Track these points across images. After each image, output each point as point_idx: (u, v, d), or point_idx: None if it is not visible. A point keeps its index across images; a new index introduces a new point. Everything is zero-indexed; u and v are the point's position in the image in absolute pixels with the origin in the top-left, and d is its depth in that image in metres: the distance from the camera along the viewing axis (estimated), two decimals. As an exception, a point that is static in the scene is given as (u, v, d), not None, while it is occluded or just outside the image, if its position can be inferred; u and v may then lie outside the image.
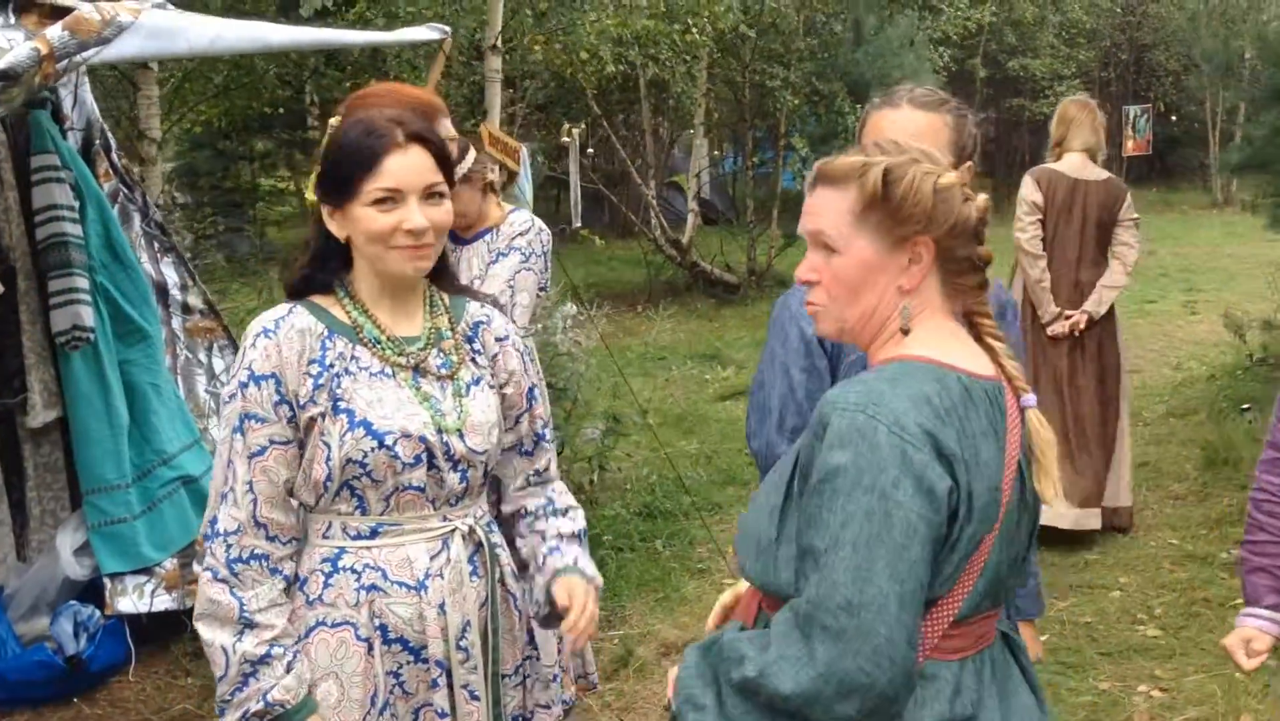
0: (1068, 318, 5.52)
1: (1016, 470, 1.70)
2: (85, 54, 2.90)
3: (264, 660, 1.99)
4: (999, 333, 1.78)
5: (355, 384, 2.02)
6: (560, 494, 2.31)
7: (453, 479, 2.06)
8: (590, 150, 14.89)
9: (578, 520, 2.27)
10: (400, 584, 2.03)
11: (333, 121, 2.31)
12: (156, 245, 4.93)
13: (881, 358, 1.74)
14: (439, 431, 2.04)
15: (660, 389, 8.97)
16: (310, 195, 2.14)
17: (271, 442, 2.00)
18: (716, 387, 9.09)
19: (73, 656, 4.26)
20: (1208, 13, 16.62)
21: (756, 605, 1.80)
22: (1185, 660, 4.41)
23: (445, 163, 2.06)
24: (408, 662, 2.06)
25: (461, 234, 3.71)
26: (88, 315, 4.35)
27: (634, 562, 5.45)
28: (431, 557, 2.06)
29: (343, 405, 2.00)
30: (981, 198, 1.75)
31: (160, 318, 4.82)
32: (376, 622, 2.03)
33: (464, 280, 3.42)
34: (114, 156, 4.79)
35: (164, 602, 4.46)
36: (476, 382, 2.12)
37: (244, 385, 2.00)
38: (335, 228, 2.05)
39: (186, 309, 4.99)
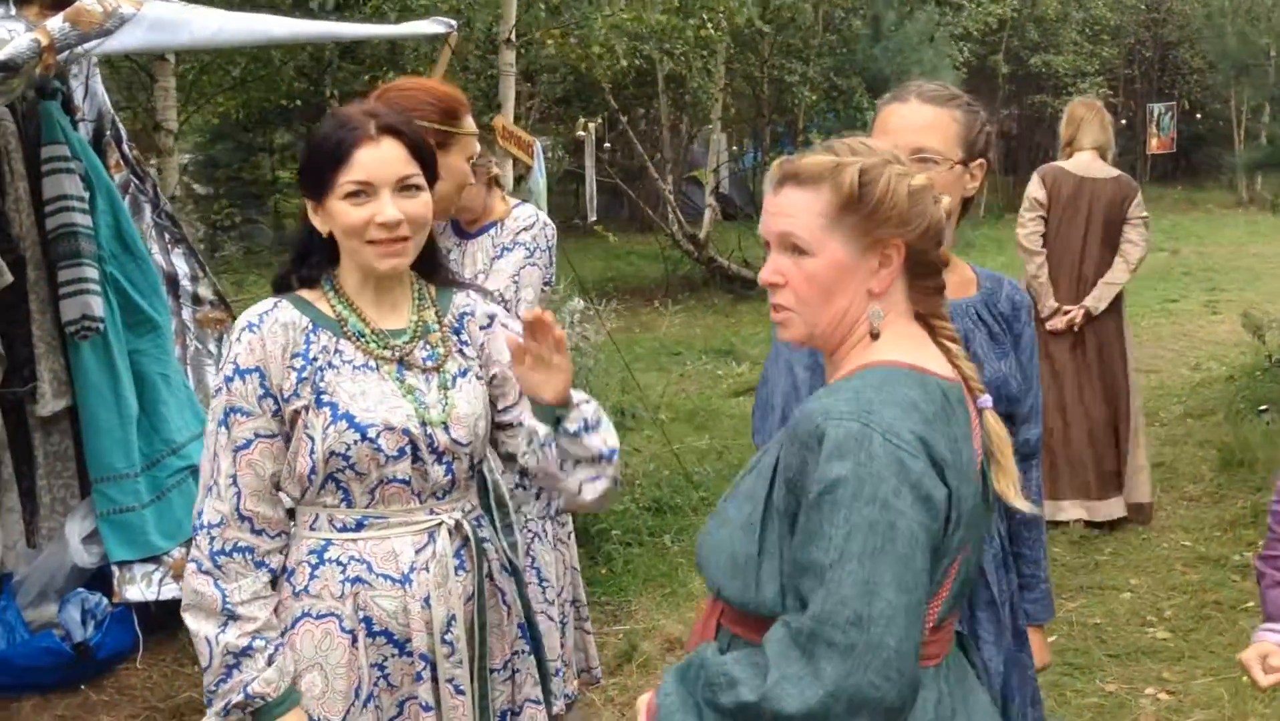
0: (1066, 313, 5.60)
1: (980, 472, 1.69)
2: (86, 45, 2.91)
3: (246, 652, 1.99)
4: (955, 334, 1.76)
5: (339, 377, 2.02)
6: None
7: (437, 471, 2.06)
8: (607, 145, 14.88)
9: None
10: (385, 577, 2.03)
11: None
12: (167, 236, 4.95)
13: (857, 363, 1.70)
14: (423, 424, 2.04)
15: (674, 384, 8.96)
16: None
17: (257, 436, 2.01)
18: (730, 383, 9.07)
19: (80, 643, 4.29)
20: (1231, 10, 16.48)
21: (715, 621, 1.75)
22: (1194, 663, 4.37)
23: (421, 155, 2.05)
24: (392, 655, 2.06)
25: (466, 228, 3.70)
26: (97, 305, 4.37)
27: (641, 557, 5.45)
28: (417, 551, 2.05)
29: (326, 398, 2.00)
30: (945, 199, 1.73)
31: (170, 308, 4.84)
32: (361, 615, 2.03)
33: (468, 275, 3.42)
34: (125, 147, 4.81)
35: (172, 591, 4.48)
36: (463, 374, 2.12)
37: (229, 379, 2.01)
38: (318, 222, 2.05)
39: (197, 300, 5.01)
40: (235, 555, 2.02)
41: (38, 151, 4.35)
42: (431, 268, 2.16)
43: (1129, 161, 24.73)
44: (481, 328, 2.17)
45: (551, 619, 3.30)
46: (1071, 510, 5.66)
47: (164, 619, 4.54)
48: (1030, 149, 23.10)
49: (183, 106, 8.89)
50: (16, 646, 4.23)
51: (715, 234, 13.91)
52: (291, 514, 2.11)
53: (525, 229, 3.75)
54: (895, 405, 1.58)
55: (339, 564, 2.03)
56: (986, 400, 1.73)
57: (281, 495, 2.07)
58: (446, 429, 2.06)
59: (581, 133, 11.21)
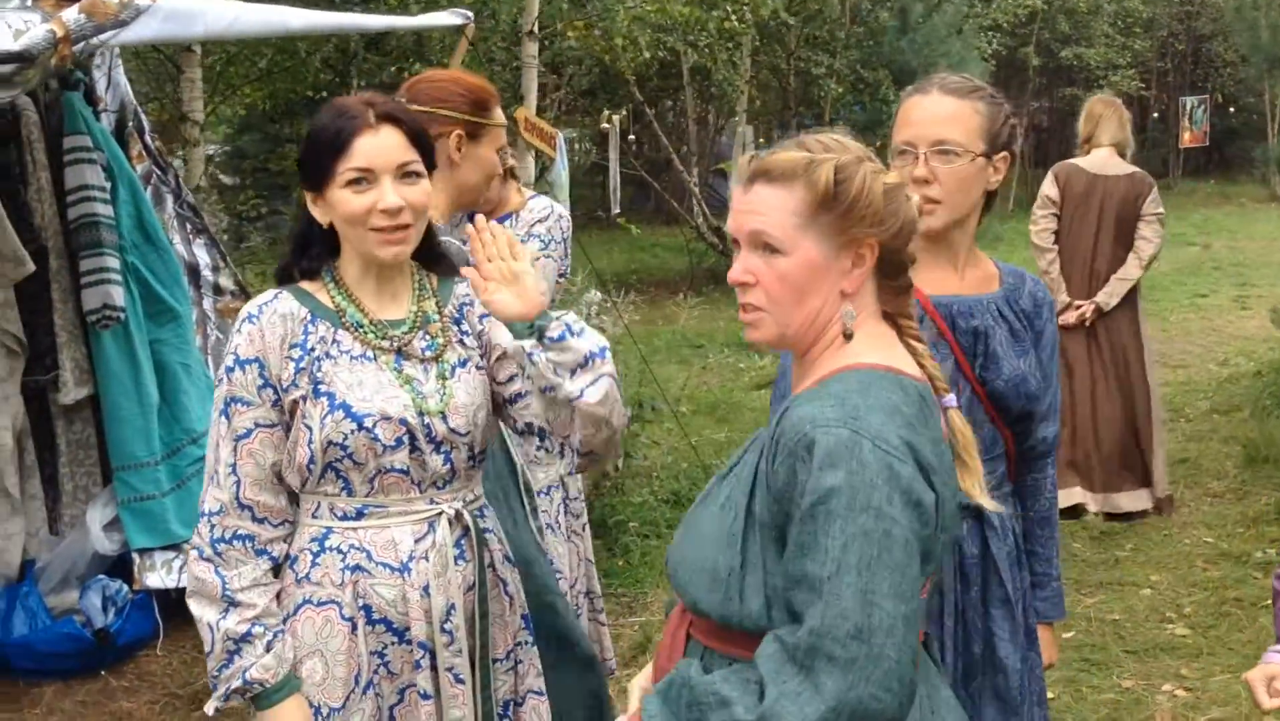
0: (1078, 308, 5.62)
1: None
2: (102, 37, 2.94)
3: (245, 638, 2.02)
4: (920, 333, 1.74)
5: (336, 367, 2.04)
6: None
7: (436, 461, 2.07)
8: (632, 137, 14.88)
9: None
10: (384, 565, 2.05)
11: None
12: (189, 226, 4.99)
13: (833, 365, 1.66)
14: (420, 414, 2.04)
15: (695, 376, 8.96)
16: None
17: (257, 425, 2.03)
18: (752, 376, 9.06)
19: (101, 629, 4.34)
20: (1265, 2, 16.27)
21: (684, 634, 1.72)
22: (1213, 660, 4.34)
23: (420, 142, 2.06)
24: (392, 643, 2.07)
25: (482, 219, 3.71)
26: (118, 294, 4.42)
27: (659, 550, 5.45)
28: (416, 540, 2.07)
29: (323, 388, 2.02)
30: (915, 198, 1.71)
31: (191, 298, 4.89)
32: (360, 603, 2.05)
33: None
34: (147, 139, 4.86)
35: (191, 579, 4.52)
36: (463, 364, 2.12)
37: (230, 370, 2.03)
38: (318, 213, 2.06)
39: (218, 290, 5.05)
40: (235, 542, 2.04)
41: (60, 142, 4.40)
42: (432, 258, 2.17)
43: (1161, 155, 24.53)
44: (481, 316, 2.17)
45: None
46: (1075, 496, 5.66)
47: (184, 606, 4.50)
48: (1061, 142, 22.88)
49: (209, 98, 8.95)
50: (39, 632, 4.28)
51: (740, 226, 13.84)
52: (296, 502, 2.12)
53: (540, 221, 3.75)
54: (880, 410, 1.55)
55: (339, 552, 2.05)
56: (951, 399, 1.70)
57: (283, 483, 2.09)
58: (444, 418, 2.06)
59: (606, 125, 11.20)
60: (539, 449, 2.13)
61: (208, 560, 2.04)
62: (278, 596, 2.08)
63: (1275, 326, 8.25)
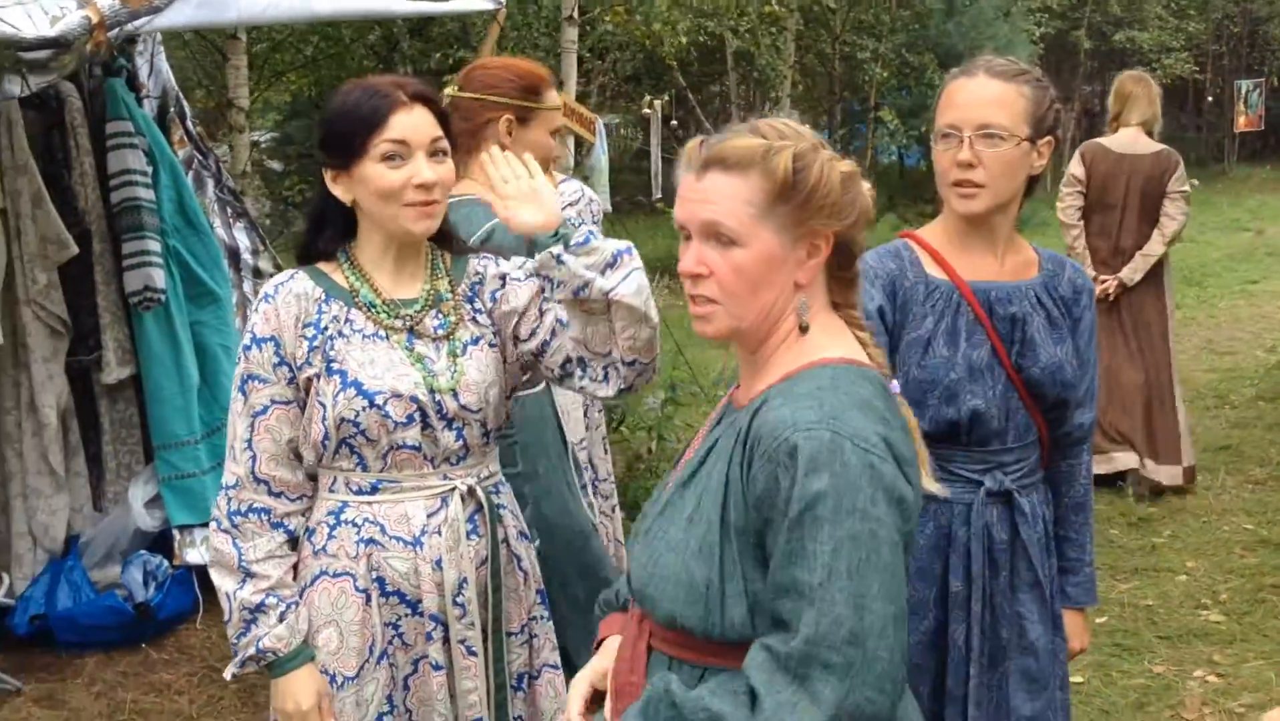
0: (1102, 282, 5.72)
1: None
2: (136, 23, 3.00)
3: (260, 608, 2.08)
4: (865, 323, 1.71)
5: (348, 346, 2.08)
6: None
7: (448, 437, 2.11)
8: (674, 122, 14.85)
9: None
10: (398, 539, 2.09)
11: (448, 91, 2.39)
12: (229, 211, 5.07)
13: (799, 361, 1.62)
14: (431, 391, 2.08)
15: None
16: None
17: (273, 402, 2.08)
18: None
19: (142, 603, 4.44)
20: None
21: (645, 647, 1.67)
22: (1246, 646, 4.30)
23: (446, 123, 2.12)
24: (405, 615, 2.12)
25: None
26: (159, 277, 4.50)
27: (691, 532, 5.47)
28: (429, 515, 2.11)
29: (336, 366, 2.06)
30: (865, 186, 1.65)
31: (231, 281, 4.97)
32: (374, 575, 2.09)
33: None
34: (189, 124, 4.94)
35: (229, 556, 4.61)
36: (475, 342, 2.16)
37: (247, 348, 2.09)
38: (341, 191, 2.10)
39: (257, 273, 5.13)
40: (251, 515, 2.09)
41: (103, 127, 4.48)
42: (445, 236, 2.20)
43: (1216, 139, 24.11)
44: (494, 292, 2.20)
45: None
46: (1115, 463, 5.79)
47: (223, 582, 4.67)
48: (1112, 126, 22.58)
49: (255, 85, 9.06)
50: (82, 605, 4.39)
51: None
52: (314, 478, 2.17)
53: (571, 204, 3.78)
54: (855, 407, 1.52)
55: (354, 525, 2.10)
56: (895, 385, 1.66)
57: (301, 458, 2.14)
58: (455, 395, 2.10)
59: (647, 110, 11.21)
60: (582, 383, 2.14)
61: (225, 532, 2.10)
62: (296, 567, 2.14)
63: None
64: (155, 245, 4.50)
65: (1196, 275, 12.38)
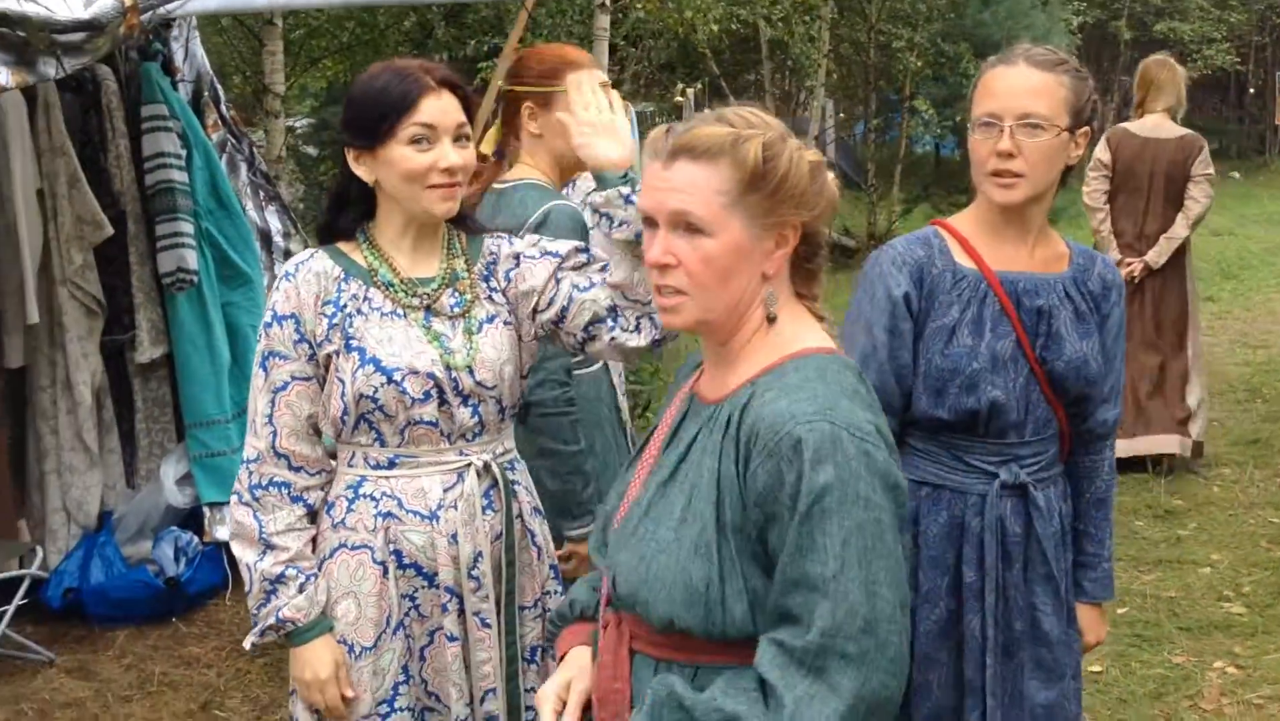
0: (1127, 265, 5.82)
1: None
2: (169, 6, 3.06)
3: (280, 579, 2.13)
4: (823, 312, 1.71)
5: (367, 323, 2.12)
6: None
7: (464, 414, 2.15)
8: (707, 111, 14.82)
9: None
10: (414, 512, 2.14)
11: (499, 85, 2.46)
12: (261, 194, 5.15)
13: (780, 352, 1.61)
14: (447, 368, 2.12)
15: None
16: (485, 149, 2.29)
17: (293, 378, 2.13)
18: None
19: (172, 578, 4.53)
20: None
21: (628, 652, 1.65)
22: (1268, 638, 4.29)
23: (470, 110, 2.16)
24: (421, 587, 2.16)
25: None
26: (192, 258, 4.58)
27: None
28: (445, 490, 2.15)
29: (354, 343, 2.11)
30: (830, 176, 1.64)
31: (263, 263, 5.04)
32: (391, 548, 2.14)
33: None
34: (223, 108, 5.01)
35: (258, 533, 4.69)
36: (490, 320, 2.20)
37: (268, 325, 2.14)
38: (363, 172, 2.14)
39: (288, 255, 5.19)
40: (271, 489, 2.15)
41: (138, 110, 4.57)
42: (461, 216, 2.24)
43: (1258, 131, 23.79)
44: (508, 271, 2.24)
45: None
46: (1137, 447, 5.91)
47: (252, 559, 4.75)
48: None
49: (291, 71, 9.13)
50: (114, 579, 4.49)
51: (817, 201, 13.73)
52: (334, 453, 2.22)
53: (597, 189, 3.82)
54: (845, 396, 1.53)
55: (372, 499, 2.15)
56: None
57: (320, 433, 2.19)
58: (471, 372, 2.14)
59: (680, 98, 11.21)
60: (611, 334, 2.15)
61: (246, 505, 2.15)
62: (315, 540, 2.19)
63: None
64: (188, 227, 4.58)
65: (1234, 268, 12.26)
